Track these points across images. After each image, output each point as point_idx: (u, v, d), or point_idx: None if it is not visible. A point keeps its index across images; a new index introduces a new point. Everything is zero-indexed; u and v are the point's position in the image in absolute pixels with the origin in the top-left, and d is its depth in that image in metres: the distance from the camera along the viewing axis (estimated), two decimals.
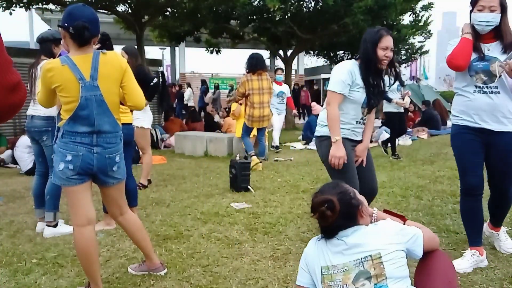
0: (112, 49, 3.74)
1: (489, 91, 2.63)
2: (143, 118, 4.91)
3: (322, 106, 6.48)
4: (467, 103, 2.70)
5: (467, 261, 2.71)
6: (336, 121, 2.76)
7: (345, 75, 2.77)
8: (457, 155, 2.82)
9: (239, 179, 5.01)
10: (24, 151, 6.62)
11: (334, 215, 1.70)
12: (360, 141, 2.99)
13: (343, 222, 1.73)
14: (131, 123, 3.74)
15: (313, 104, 11.17)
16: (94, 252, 2.36)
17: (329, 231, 1.76)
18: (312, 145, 9.13)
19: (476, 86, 2.66)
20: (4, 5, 10.08)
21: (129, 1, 10.57)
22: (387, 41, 2.75)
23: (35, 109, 3.53)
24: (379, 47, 2.74)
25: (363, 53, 2.80)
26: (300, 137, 10.27)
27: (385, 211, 2.00)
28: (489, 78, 2.62)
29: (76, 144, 2.26)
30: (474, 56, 2.65)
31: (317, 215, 1.74)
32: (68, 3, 9.86)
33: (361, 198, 1.84)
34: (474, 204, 2.79)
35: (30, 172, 6.48)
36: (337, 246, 1.73)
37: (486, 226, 3.05)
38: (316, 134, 3.02)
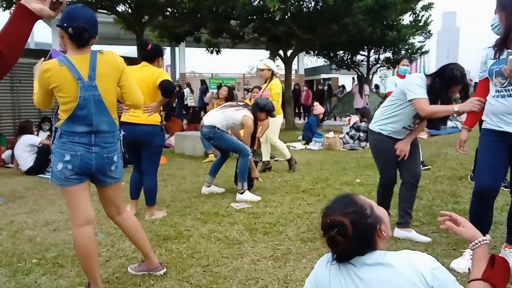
0: None
1: (507, 94, 2.56)
2: None
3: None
4: (488, 107, 2.67)
5: (467, 260, 2.70)
6: (439, 107, 2.98)
7: (423, 83, 3.05)
8: (477, 156, 2.77)
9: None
10: (25, 150, 6.61)
11: (346, 241, 1.43)
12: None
13: (358, 247, 1.45)
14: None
15: (316, 104, 11.17)
16: (93, 252, 2.36)
17: (342, 256, 1.49)
18: (312, 145, 9.13)
19: (496, 91, 2.62)
20: (4, 5, 10.08)
21: (129, 1, 10.57)
22: None
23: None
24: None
25: (449, 72, 3.00)
26: (300, 137, 10.26)
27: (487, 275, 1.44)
28: (506, 81, 2.56)
29: (74, 144, 2.26)
30: (493, 60, 2.61)
31: (326, 240, 1.48)
32: (68, 3, 9.87)
33: (381, 213, 1.51)
34: (483, 207, 2.70)
35: (30, 172, 6.49)
36: (352, 274, 1.47)
37: (502, 250, 2.87)
38: (375, 130, 3.34)
